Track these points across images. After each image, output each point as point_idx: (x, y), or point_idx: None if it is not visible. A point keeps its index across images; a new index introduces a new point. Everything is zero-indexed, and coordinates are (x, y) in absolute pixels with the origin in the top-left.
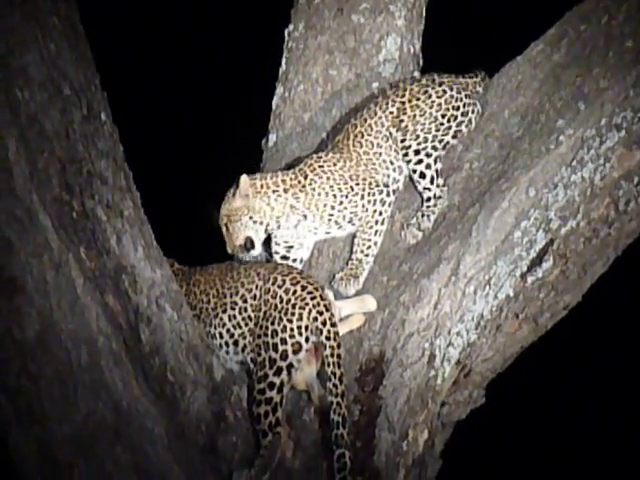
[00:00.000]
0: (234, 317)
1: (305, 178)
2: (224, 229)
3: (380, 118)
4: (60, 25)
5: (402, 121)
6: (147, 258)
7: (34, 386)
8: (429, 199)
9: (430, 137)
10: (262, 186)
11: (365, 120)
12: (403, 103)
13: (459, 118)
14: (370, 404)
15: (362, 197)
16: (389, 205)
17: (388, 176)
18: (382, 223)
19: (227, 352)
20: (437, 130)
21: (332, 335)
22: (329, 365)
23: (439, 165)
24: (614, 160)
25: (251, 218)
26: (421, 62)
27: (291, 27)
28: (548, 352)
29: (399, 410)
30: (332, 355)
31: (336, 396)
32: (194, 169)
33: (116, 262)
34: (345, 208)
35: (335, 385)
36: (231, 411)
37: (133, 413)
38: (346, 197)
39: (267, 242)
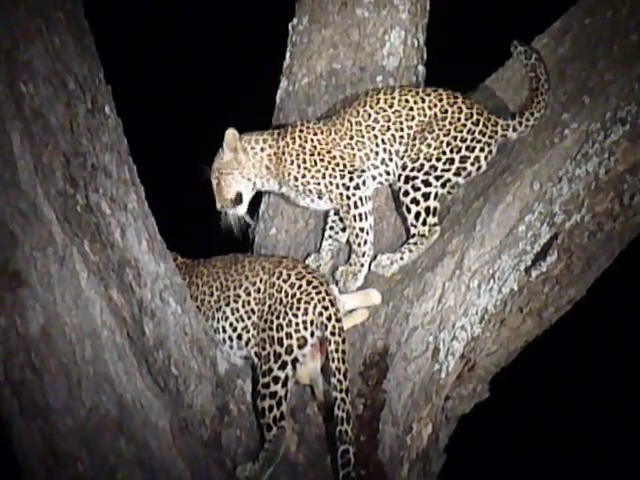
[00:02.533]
0: (237, 310)
1: (282, 139)
2: (215, 183)
3: (393, 98)
4: (65, 19)
5: (410, 127)
6: (151, 251)
7: (38, 379)
8: (413, 236)
9: (427, 166)
10: (247, 141)
11: (377, 93)
12: (424, 110)
13: (463, 152)
14: (374, 398)
15: (324, 176)
16: (356, 188)
17: (376, 153)
18: (356, 206)
19: (231, 347)
20: (438, 160)
21: (337, 330)
22: (333, 360)
23: (432, 202)
24: (618, 154)
25: (240, 173)
26: (425, 56)
27: (295, 21)
28: (552, 346)
29: (403, 404)
30: (337, 350)
31: (340, 392)
32: (198, 162)
33: (120, 255)
34: (308, 182)
35: (339, 381)
36: (235, 405)
37: (137, 407)
38: (308, 171)
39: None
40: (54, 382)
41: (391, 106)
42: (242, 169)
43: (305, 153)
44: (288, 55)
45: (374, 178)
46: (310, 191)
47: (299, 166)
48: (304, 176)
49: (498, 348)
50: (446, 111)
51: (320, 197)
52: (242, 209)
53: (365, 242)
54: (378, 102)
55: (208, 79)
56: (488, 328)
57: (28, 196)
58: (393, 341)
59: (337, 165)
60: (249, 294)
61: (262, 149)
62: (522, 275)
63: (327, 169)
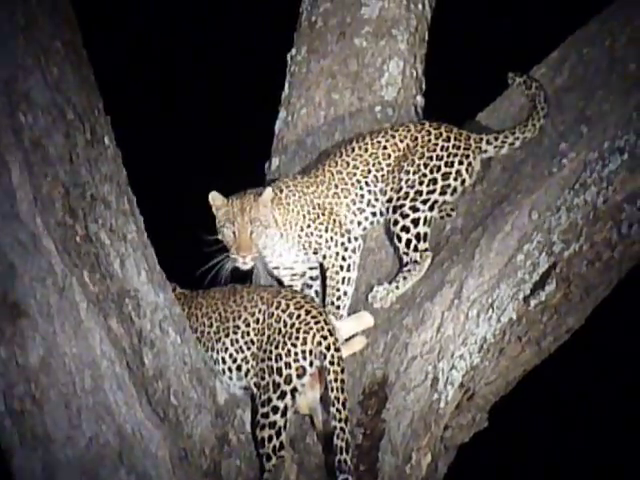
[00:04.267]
0: (236, 341)
1: (281, 192)
2: (247, 232)
3: (366, 144)
4: (63, 49)
5: (389, 165)
6: (150, 282)
7: (38, 410)
8: (406, 264)
9: (412, 193)
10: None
11: (349, 143)
12: (395, 144)
13: (443, 169)
14: (373, 427)
15: (326, 230)
16: (353, 251)
17: (362, 196)
18: (348, 269)
19: (230, 377)
20: (420, 183)
21: (336, 360)
22: (332, 390)
23: (422, 228)
24: (617, 183)
25: (271, 229)
26: (424, 86)
27: (294, 51)
28: (551, 375)
29: (402, 433)
30: (336, 380)
31: (339, 421)
32: (197, 193)
33: (119, 286)
34: (312, 233)
35: (338, 410)
36: (235, 434)
37: (137, 437)
38: (313, 222)
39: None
40: (54, 412)
41: (366, 150)
42: (273, 226)
43: (308, 204)
44: (287, 85)
45: (359, 224)
46: (310, 244)
47: (304, 217)
48: (309, 226)
49: (497, 377)
50: (416, 138)
51: (316, 252)
52: (253, 263)
53: (344, 306)
54: (353, 150)
55: (207, 111)
56: (487, 357)
57: (27, 227)
58: (392, 370)
59: (335, 222)
60: (248, 325)
61: (272, 200)
62: (521, 304)
63: (329, 223)
